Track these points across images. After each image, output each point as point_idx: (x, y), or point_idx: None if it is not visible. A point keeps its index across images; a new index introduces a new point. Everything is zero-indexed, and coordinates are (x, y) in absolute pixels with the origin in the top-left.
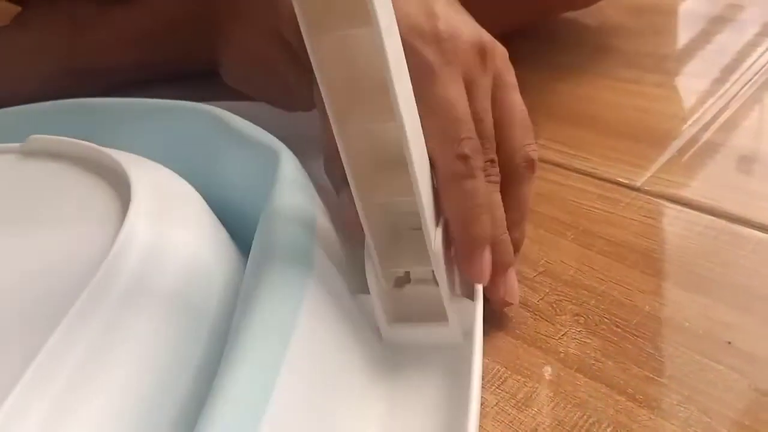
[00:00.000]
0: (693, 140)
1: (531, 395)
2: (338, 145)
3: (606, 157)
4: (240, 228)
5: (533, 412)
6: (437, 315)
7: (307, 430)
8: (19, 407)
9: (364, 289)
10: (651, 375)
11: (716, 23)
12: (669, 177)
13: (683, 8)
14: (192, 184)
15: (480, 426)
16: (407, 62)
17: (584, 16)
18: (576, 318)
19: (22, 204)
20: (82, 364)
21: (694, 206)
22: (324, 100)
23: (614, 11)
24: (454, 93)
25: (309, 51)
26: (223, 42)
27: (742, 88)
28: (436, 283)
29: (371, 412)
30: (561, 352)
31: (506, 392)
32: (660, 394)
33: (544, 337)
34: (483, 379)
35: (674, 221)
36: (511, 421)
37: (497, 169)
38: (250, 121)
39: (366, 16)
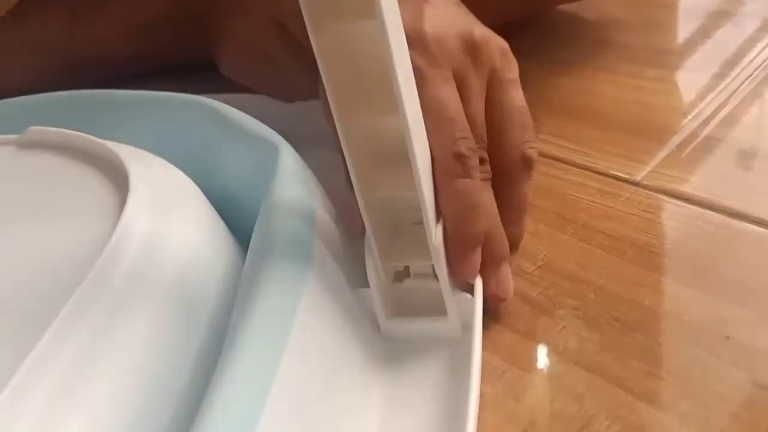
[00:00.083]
0: (693, 135)
1: (529, 388)
2: (340, 139)
3: (606, 152)
4: (239, 221)
5: (531, 405)
6: (437, 309)
7: (306, 426)
8: (13, 402)
9: (364, 283)
10: (650, 369)
11: (716, 18)
12: (669, 172)
13: (683, 2)
14: (190, 177)
15: (478, 418)
16: None
17: (584, 10)
18: (575, 312)
19: (19, 196)
20: (78, 359)
21: (693, 201)
22: (327, 93)
23: (614, 5)
24: (445, 94)
25: (313, 43)
26: (222, 33)
27: (743, 83)
28: (436, 278)
29: (371, 406)
30: (560, 345)
31: (505, 385)
32: (658, 387)
33: (543, 330)
34: (482, 372)
35: (674, 216)
36: (509, 414)
37: (488, 167)
38: (249, 114)
39: (370, 9)
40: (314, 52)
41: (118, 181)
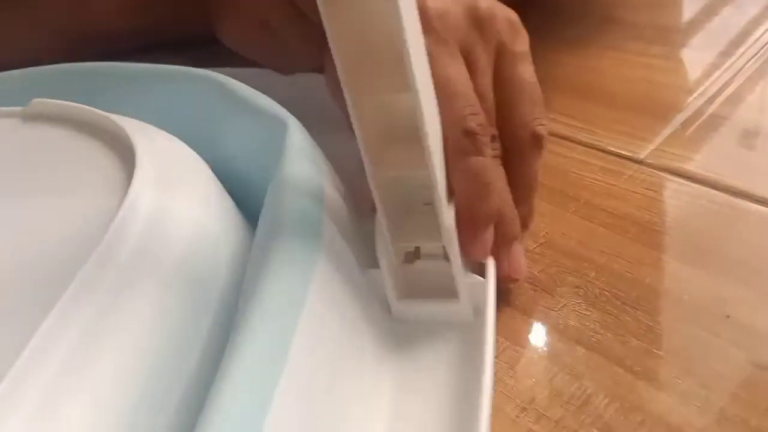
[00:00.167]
0: (697, 113)
1: (529, 366)
2: (351, 117)
3: (610, 130)
4: (246, 198)
5: (531, 382)
6: (448, 291)
7: (316, 413)
8: (17, 383)
9: (373, 263)
10: (650, 347)
11: None
12: (672, 150)
13: None
14: (196, 152)
15: None
16: None
17: None
18: (576, 290)
19: (23, 170)
20: (83, 339)
21: (696, 180)
22: (337, 70)
23: None
24: (453, 70)
25: (324, 19)
26: (223, 3)
27: (748, 61)
28: (447, 259)
29: (381, 390)
30: (560, 323)
31: (505, 363)
32: (658, 366)
33: (543, 308)
34: None
35: (676, 194)
36: (509, 392)
37: (498, 144)
38: (255, 88)
39: None
40: (325, 28)
41: (124, 155)
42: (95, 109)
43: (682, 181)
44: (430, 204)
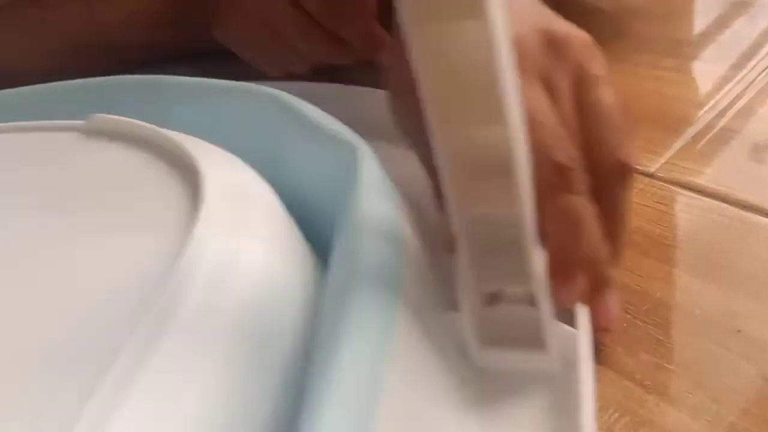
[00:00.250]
0: (708, 127)
1: None
2: (437, 150)
3: None
4: (310, 228)
5: None
6: (533, 340)
7: None
8: None
9: (449, 305)
10: (660, 361)
11: (734, 8)
12: (683, 163)
13: None
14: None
15: None
16: None
17: None
18: None
19: (78, 195)
20: (140, 408)
21: (707, 193)
22: (425, 99)
23: None
24: (535, 100)
25: (412, 45)
26: (224, 1)
27: (759, 74)
28: (534, 305)
29: None
30: None
31: None
32: (669, 380)
33: None
34: None
35: (687, 208)
36: None
37: (585, 177)
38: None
39: (477, 7)
40: (413, 56)
41: (188, 180)
42: (157, 128)
43: (692, 194)
44: (517, 244)
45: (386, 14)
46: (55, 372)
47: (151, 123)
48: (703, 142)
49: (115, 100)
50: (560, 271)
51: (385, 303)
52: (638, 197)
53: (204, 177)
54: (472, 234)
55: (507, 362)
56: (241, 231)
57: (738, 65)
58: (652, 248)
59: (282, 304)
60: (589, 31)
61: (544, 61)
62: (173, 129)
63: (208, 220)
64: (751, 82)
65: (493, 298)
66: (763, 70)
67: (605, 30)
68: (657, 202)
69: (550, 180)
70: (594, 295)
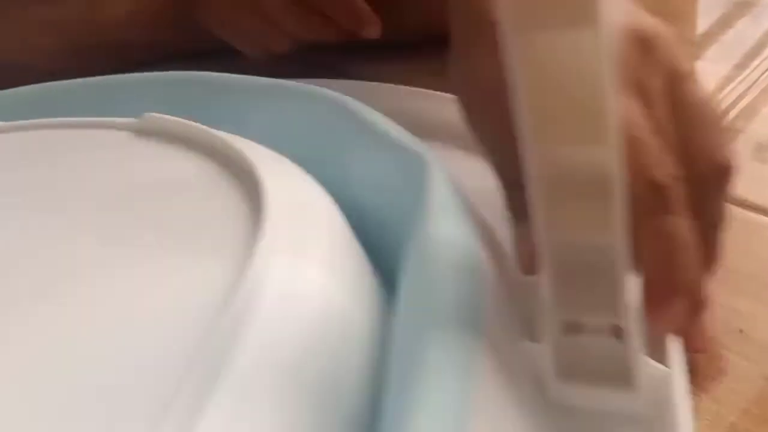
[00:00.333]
0: None
1: None
2: (529, 168)
3: None
4: (373, 244)
5: None
6: (619, 376)
7: None
8: None
9: (525, 334)
10: None
11: (737, 8)
12: None
13: None
14: None
15: None
16: None
17: None
18: None
19: (128, 201)
20: None
21: None
22: (523, 115)
23: None
24: (630, 111)
25: (512, 55)
26: None
27: (763, 74)
28: (620, 337)
29: None
30: None
31: None
32: None
33: None
34: None
35: None
36: None
37: (682, 191)
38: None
39: (591, 14)
40: (513, 62)
41: (246, 191)
42: (212, 130)
43: None
44: (608, 271)
45: None
46: (104, 420)
47: (204, 123)
48: None
49: (164, 98)
50: (657, 298)
51: (467, 345)
52: None
53: (264, 188)
54: (560, 259)
55: (589, 399)
56: (304, 255)
57: (741, 65)
58: None
59: (347, 344)
60: None
61: (637, 65)
62: (227, 131)
63: (269, 241)
64: (754, 82)
65: (575, 328)
66: (766, 70)
67: None
68: None
69: (646, 200)
70: (692, 321)
